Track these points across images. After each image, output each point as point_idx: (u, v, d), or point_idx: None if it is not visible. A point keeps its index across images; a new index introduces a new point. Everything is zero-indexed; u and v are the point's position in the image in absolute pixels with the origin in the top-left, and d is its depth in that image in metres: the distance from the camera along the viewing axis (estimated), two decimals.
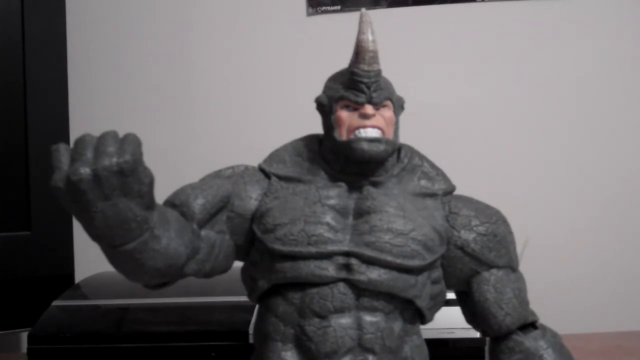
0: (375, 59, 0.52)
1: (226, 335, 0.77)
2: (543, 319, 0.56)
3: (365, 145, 0.52)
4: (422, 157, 0.57)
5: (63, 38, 0.98)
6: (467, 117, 1.16)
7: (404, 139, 0.56)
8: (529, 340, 0.53)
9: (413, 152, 0.57)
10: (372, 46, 0.52)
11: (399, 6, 1.16)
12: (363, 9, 0.53)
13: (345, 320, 0.49)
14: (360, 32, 0.52)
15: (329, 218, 0.50)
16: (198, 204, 0.50)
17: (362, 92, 0.52)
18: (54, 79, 0.97)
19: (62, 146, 0.41)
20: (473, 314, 0.55)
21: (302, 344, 0.49)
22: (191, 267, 0.49)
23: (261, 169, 0.56)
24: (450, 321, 0.72)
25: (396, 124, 0.54)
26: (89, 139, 0.41)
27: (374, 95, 0.52)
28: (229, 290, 0.81)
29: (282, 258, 0.50)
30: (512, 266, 0.55)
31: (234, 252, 0.54)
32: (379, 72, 0.53)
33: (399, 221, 0.50)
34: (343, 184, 0.53)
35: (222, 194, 0.52)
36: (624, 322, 1.08)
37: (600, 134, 1.16)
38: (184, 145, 1.18)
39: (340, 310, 0.49)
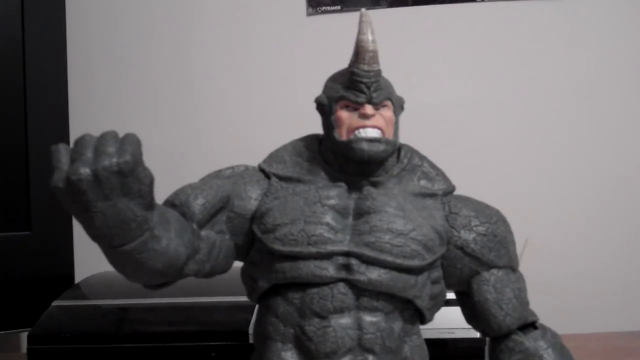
0: (375, 59, 0.52)
1: (226, 335, 0.77)
2: (543, 319, 0.56)
3: (365, 145, 0.51)
4: (422, 157, 0.57)
5: (63, 38, 0.98)
6: (467, 117, 1.16)
7: (403, 139, 0.56)
8: (529, 341, 0.54)
9: (413, 152, 0.57)
10: (372, 46, 0.52)
11: (399, 6, 1.16)
12: (363, 9, 0.53)
13: (345, 320, 0.49)
14: (360, 32, 0.52)
15: (329, 218, 0.50)
16: (198, 204, 0.50)
17: (362, 92, 0.52)
18: (54, 79, 0.97)
19: (62, 146, 0.41)
20: (473, 314, 0.55)
21: (302, 344, 0.49)
22: (191, 267, 0.49)
23: (261, 169, 0.56)
24: (450, 321, 0.72)
25: (396, 124, 0.54)
26: (89, 139, 0.41)
27: (374, 95, 0.52)
28: (229, 290, 0.81)
29: (282, 258, 0.50)
30: (512, 266, 0.55)
31: (234, 252, 0.54)
32: (378, 72, 0.53)
33: (399, 221, 0.50)
34: (343, 184, 0.53)
35: (222, 194, 0.52)
36: (624, 322, 1.08)
37: (600, 134, 1.16)
38: (184, 145, 1.18)
39: (340, 311, 0.49)
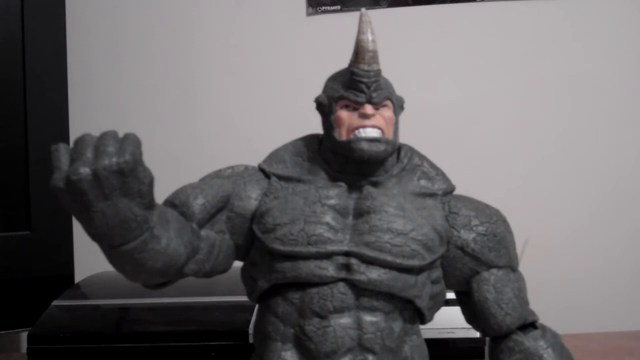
0: (375, 58, 0.52)
1: (226, 335, 0.77)
2: (543, 319, 0.56)
3: (365, 145, 0.52)
4: (422, 157, 0.57)
5: (63, 38, 0.98)
6: (466, 117, 1.16)
7: (403, 138, 0.56)
8: (528, 340, 0.53)
9: (413, 152, 0.57)
10: (372, 46, 0.52)
11: (399, 6, 1.16)
12: (363, 9, 0.53)
13: (345, 320, 0.49)
14: (360, 31, 0.52)
15: (328, 218, 0.50)
16: (198, 203, 0.50)
17: (362, 92, 0.52)
18: (54, 79, 0.97)
19: (62, 146, 0.41)
20: (473, 314, 0.55)
21: (302, 343, 0.49)
22: (191, 267, 0.49)
23: (261, 169, 0.56)
24: (450, 321, 0.72)
25: (396, 123, 0.54)
26: (89, 139, 0.41)
27: (374, 95, 0.52)
28: (229, 290, 0.81)
29: (282, 258, 0.50)
30: (512, 266, 0.55)
31: (234, 252, 0.54)
32: (378, 72, 0.53)
33: (399, 221, 0.50)
34: (343, 184, 0.53)
35: (222, 194, 0.52)
36: (624, 322, 1.08)
37: (600, 133, 1.16)
38: (184, 145, 1.18)
39: (340, 310, 0.49)
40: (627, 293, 1.15)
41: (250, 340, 0.70)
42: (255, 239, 0.52)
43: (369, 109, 0.52)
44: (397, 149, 0.56)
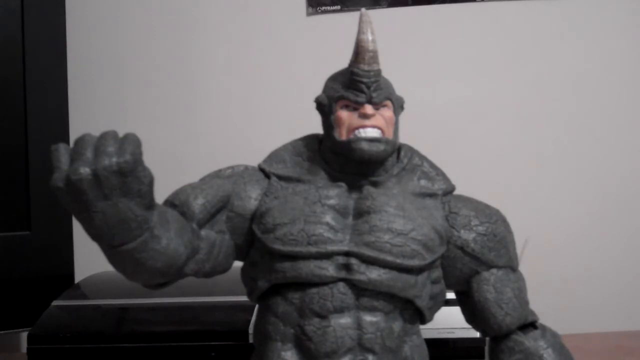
0: (375, 58, 0.52)
1: (226, 335, 0.77)
2: (543, 319, 0.56)
3: (365, 145, 0.52)
4: (422, 157, 0.57)
5: (63, 38, 0.98)
6: (466, 117, 1.16)
7: (403, 138, 0.56)
8: (528, 340, 0.54)
9: (413, 151, 0.57)
10: (372, 46, 0.52)
11: (399, 6, 1.16)
12: (363, 9, 0.53)
13: (345, 320, 0.49)
14: (360, 31, 0.52)
15: (328, 218, 0.50)
16: (198, 203, 0.50)
17: (362, 92, 0.52)
18: (54, 79, 0.97)
19: (62, 146, 0.41)
20: (473, 314, 0.55)
21: (301, 343, 0.49)
22: (191, 267, 0.49)
23: (261, 169, 0.56)
24: (450, 321, 0.72)
25: (396, 123, 0.54)
26: (89, 139, 0.41)
27: (374, 95, 0.52)
28: (229, 290, 0.81)
29: (282, 258, 0.50)
30: (512, 266, 0.55)
31: (234, 252, 0.54)
32: (378, 72, 0.53)
33: (399, 221, 0.50)
34: (343, 184, 0.53)
35: (222, 194, 0.52)
36: (624, 322, 1.08)
37: (599, 133, 1.16)
38: (184, 145, 1.18)
39: (340, 310, 0.49)
40: (627, 293, 1.15)
41: (250, 340, 0.69)
42: (255, 239, 0.52)
43: (369, 109, 0.52)
44: (397, 149, 0.56)
